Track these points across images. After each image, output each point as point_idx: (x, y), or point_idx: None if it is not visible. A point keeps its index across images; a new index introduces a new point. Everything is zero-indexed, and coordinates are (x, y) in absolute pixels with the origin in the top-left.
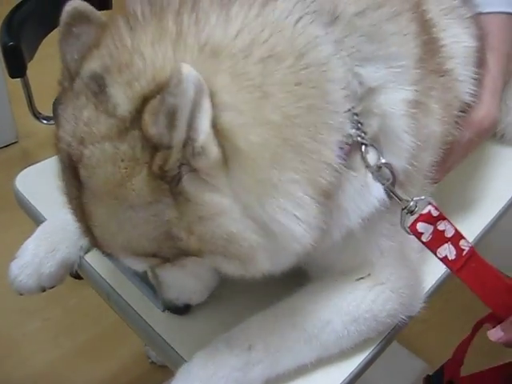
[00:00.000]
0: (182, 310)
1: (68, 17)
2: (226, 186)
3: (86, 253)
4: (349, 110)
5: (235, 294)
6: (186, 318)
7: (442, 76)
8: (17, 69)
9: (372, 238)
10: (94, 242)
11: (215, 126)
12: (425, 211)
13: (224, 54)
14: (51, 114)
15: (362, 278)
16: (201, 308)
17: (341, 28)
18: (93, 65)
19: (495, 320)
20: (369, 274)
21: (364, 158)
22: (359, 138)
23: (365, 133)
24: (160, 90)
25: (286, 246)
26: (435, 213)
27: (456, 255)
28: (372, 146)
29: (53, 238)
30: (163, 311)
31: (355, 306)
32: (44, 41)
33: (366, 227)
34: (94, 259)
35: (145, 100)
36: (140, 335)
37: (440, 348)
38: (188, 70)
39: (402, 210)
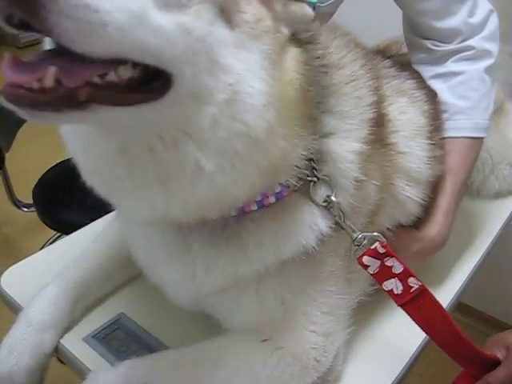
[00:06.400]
0: None
1: None
2: None
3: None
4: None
5: None
6: None
7: (383, 148)
8: None
9: (279, 289)
10: None
11: None
12: (372, 247)
13: None
14: (31, 201)
15: (265, 340)
16: None
17: None
18: None
19: (469, 379)
20: (271, 338)
21: (311, 196)
22: (308, 178)
23: (316, 174)
24: None
25: None
26: (381, 250)
27: (403, 290)
28: (324, 183)
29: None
30: None
31: (256, 371)
32: (22, 130)
33: (279, 272)
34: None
35: None
36: None
37: None
38: None
39: (352, 241)
